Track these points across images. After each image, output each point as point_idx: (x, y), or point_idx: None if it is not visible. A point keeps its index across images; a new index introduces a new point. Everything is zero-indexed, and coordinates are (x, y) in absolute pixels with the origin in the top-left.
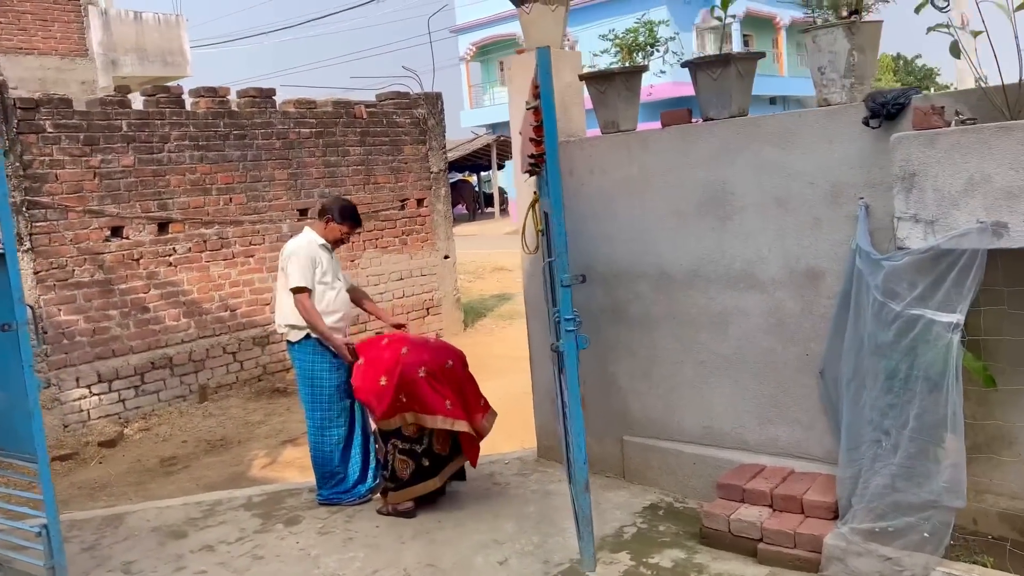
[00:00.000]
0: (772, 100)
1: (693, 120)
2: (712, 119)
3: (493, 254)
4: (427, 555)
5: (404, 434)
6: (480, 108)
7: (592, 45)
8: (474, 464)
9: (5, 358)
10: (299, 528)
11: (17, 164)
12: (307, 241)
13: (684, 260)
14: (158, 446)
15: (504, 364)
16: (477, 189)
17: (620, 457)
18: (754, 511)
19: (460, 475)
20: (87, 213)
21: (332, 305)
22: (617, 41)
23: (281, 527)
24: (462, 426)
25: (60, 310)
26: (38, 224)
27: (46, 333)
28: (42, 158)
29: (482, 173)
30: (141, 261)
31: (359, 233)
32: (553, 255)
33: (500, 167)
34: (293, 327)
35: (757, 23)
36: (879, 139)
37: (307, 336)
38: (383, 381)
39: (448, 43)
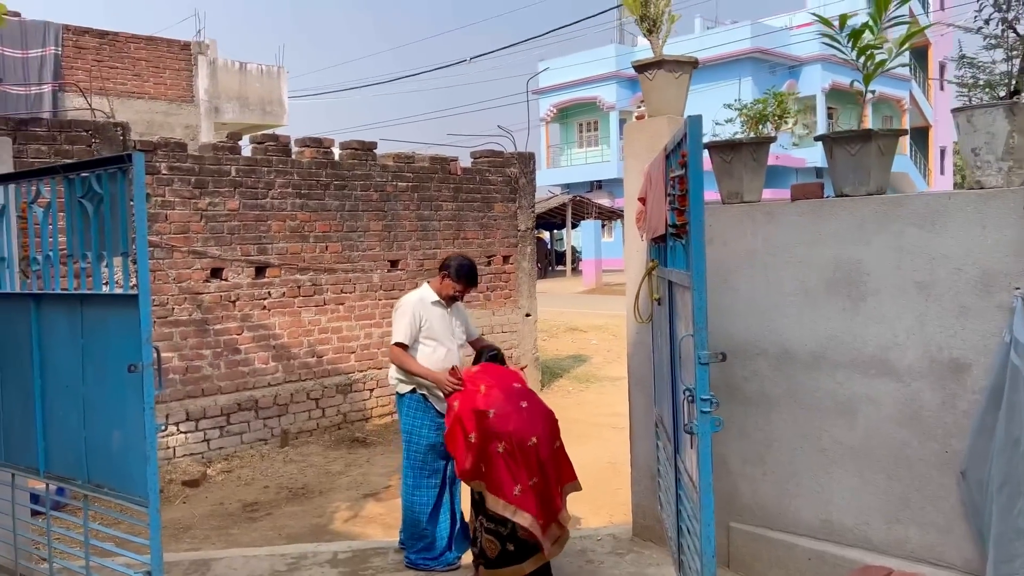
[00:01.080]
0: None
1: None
2: (847, 195)
3: (565, 313)
4: None
5: (489, 513)
6: (556, 168)
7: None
8: (544, 555)
9: (124, 398)
10: None
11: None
12: (418, 298)
13: (809, 340)
14: (240, 489)
15: (584, 430)
16: (549, 247)
17: (726, 545)
18: None
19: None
20: (191, 254)
21: (434, 364)
22: (744, 111)
23: None
24: (524, 519)
25: (157, 347)
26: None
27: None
28: (155, 198)
29: (555, 231)
30: (237, 303)
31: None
32: (688, 330)
33: (574, 226)
34: (401, 380)
35: (842, 97)
36: None
37: (413, 391)
38: (472, 438)
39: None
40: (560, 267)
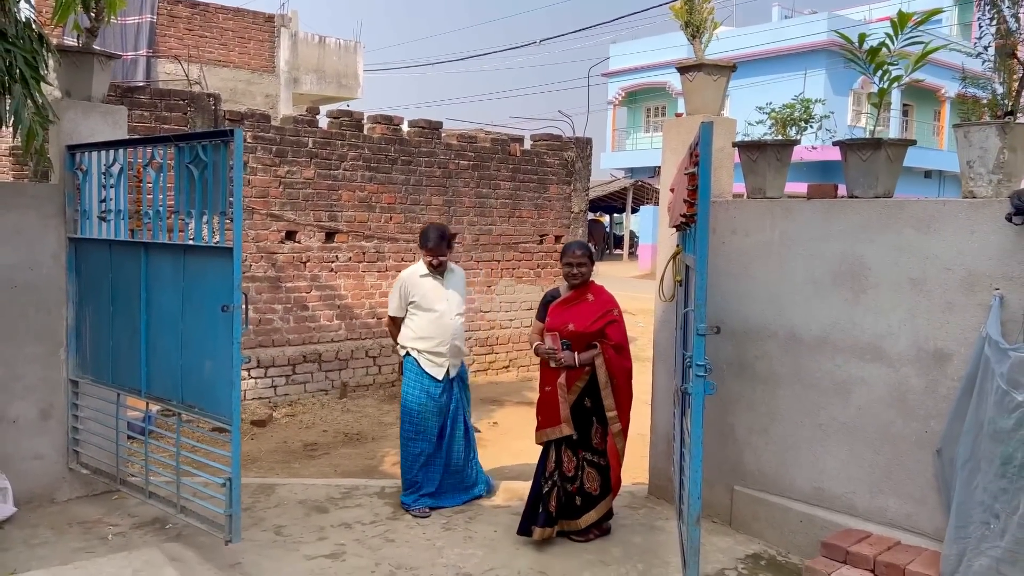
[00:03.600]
0: (927, 174)
1: (839, 195)
2: (857, 197)
3: (617, 296)
4: (538, 563)
5: (593, 445)
6: (621, 151)
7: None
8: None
9: (218, 334)
10: (426, 522)
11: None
12: (409, 272)
13: (814, 326)
14: (301, 432)
15: None
16: (608, 230)
17: (729, 505)
18: (855, 573)
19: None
20: (269, 216)
21: (425, 331)
22: (773, 114)
23: (409, 518)
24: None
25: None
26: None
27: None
28: None
29: (615, 215)
30: (307, 264)
31: (449, 254)
32: (691, 306)
33: (634, 211)
34: (401, 345)
35: (920, 94)
36: (1020, 235)
37: (407, 354)
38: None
39: (599, 86)
40: (618, 251)
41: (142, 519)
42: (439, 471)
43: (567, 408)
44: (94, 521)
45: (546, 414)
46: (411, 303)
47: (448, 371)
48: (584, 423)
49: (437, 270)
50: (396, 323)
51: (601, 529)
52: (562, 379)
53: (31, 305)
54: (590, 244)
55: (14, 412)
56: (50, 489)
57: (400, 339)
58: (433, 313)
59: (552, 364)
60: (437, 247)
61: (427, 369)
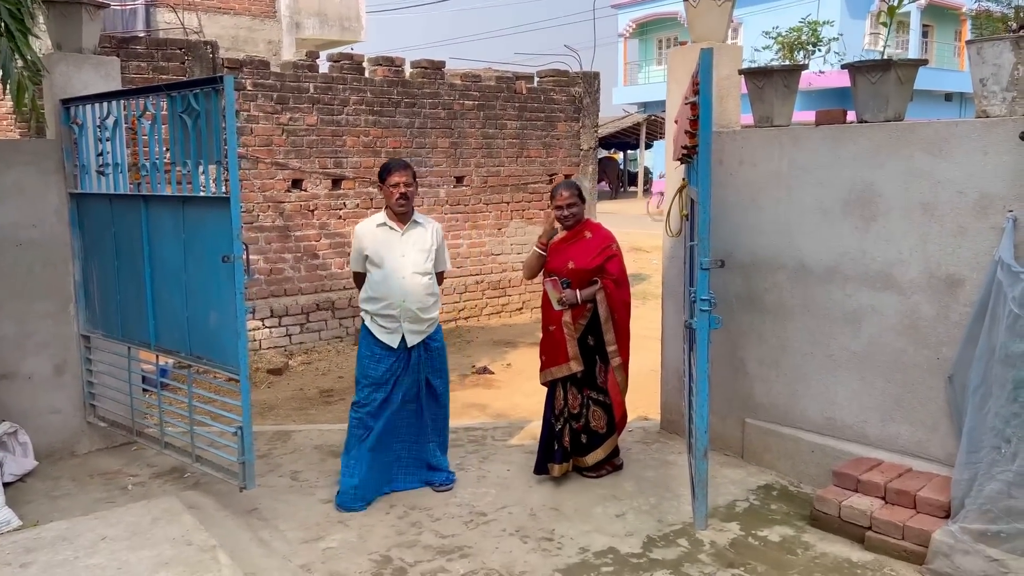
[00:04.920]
0: (948, 96)
1: (848, 120)
2: (866, 121)
3: (631, 233)
4: (551, 500)
5: (598, 384)
6: (634, 86)
7: (758, 28)
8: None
9: (220, 285)
10: None
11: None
12: (365, 221)
13: (824, 256)
14: (317, 379)
15: (634, 342)
16: (622, 167)
17: (740, 438)
18: (866, 500)
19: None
20: (274, 165)
21: (373, 289)
22: (780, 39)
23: None
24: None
25: (246, 247)
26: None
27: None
28: (242, 113)
29: (629, 151)
30: (315, 212)
31: (415, 185)
32: (696, 239)
33: (648, 147)
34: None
35: (939, 13)
36: None
37: (362, 320)
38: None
39: (608, 19)
40: (632, 188)
41: (160, 469)
42: (363, 465)
43: (575, 345)
44: (114, 472)
45: (551, 353)
46: (365, 257)
47: (404, 339)
48: (588, 361)
49: (400, 216)
50: (359, 280)
51: (612, 465)
52: (567, 317)
53: (37, 262)
54: (604, 182)
55: (29, 368)
56: (70, 443)
57: (360, 298)
58: (383, 270)
59: (556, 306)
60: (398, 171)
61: (377, 335)
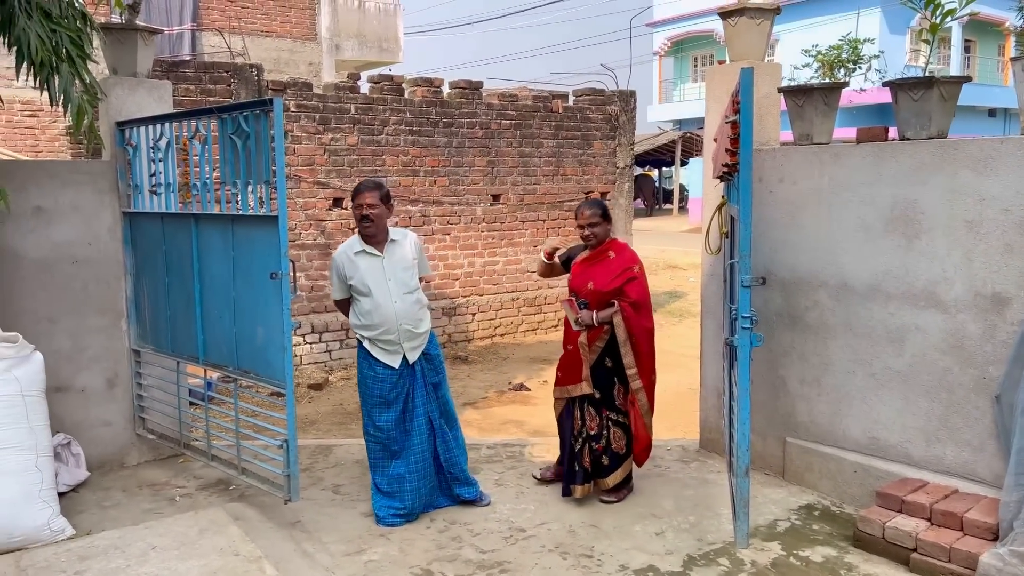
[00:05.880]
0: (992, 112)
1: (890, 138)
2: (909, 139)
3: (667, 251)
4: (590, 517)
5: (617, 405)
6: (668, 103)
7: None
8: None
9: (268, 301)
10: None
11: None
12: (343, 248)
13: (866, 274)
14: (356, 394)
15: (673, 360)
16: (658, 184)
17: (781, 457)
18: (911, 522)
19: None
20: (316, 184)
21: (367, 317)
22: (820, 57)
23: None
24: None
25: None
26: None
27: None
28: (285, 133)
29: (664, 168)
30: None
31: (388, 212)
32: (736, 257)
33: (683, 164)
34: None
35: (982, 28)
36: None
37: (359, 341)
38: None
39: (643, 38)
40: (668, 205)
41: (207, 481)
42: (417, 473)
43: (587, 367)
44: (162, 483)
45: (568, 371)
46: (349, 286)
47: (405, 357)
48: (607, 383)
49: (372, 241)
50: (343, 306)
51: (629, 488)
52: (583, 338)
53: (91, 279)
54: (639, 199)
55: (82, 382)
56: (120, 454)
57: (351, 323)
58: (371, 298)
59: (574, 326)
60: (371, 193)
61: (379, 357)
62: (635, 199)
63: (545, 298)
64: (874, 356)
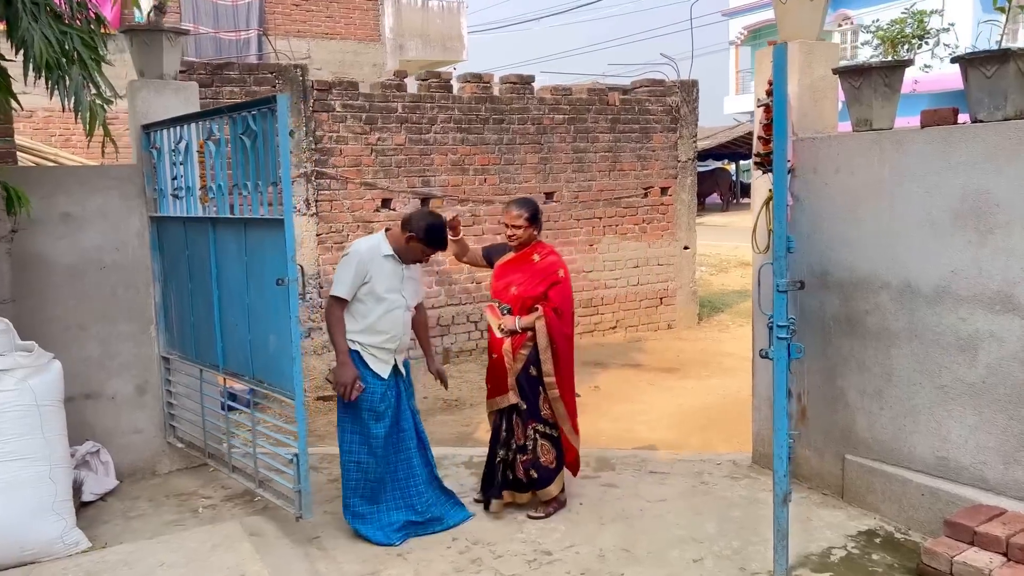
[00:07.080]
0: None
1: (960, 120)
2: (981, 121)
3: (740, 247)
4: (623, 540)
5: (543, 416)
6: (746, 94)
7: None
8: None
9: (277, 308)
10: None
11: (311, 139)
12: (369, 247)
13: (932, 274)
14: None
15: (735, 363)
16: (735, 178)
17: (840, 476)
18: (984, 556)
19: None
20: (363, 185)
21: (379, 324)
22: (880, 33)
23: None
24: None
25: (334, 268)
26: (323, 192)
27: (320, 287)
28: (331, 134)
29: (741, 162)
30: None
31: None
32: (772, 258)
33: None
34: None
35: None
36: None
37: (349, 349)
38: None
39: (719, 27)
40: (745, 199)
41: (234, 491)
42: (414, 484)
43: (513, 376)
44: (189, 493)
45: (494, 383)
46: (364, 285)
47: (396, 366)
48: (532, 393)
49: (412, 262)
50: (340, 306)
51: (559, 502)
52: (507, 345)
53: (120, 285)
54: (715, 193)
55: (112, 389)
56: (151, 462)
57: (347, 328)
58: (386, 304)
59: (497, 333)
60: (444, 248)
61: (372, 366)
62: (711, 194)
63: (602, 299)
64: (942, 366)
